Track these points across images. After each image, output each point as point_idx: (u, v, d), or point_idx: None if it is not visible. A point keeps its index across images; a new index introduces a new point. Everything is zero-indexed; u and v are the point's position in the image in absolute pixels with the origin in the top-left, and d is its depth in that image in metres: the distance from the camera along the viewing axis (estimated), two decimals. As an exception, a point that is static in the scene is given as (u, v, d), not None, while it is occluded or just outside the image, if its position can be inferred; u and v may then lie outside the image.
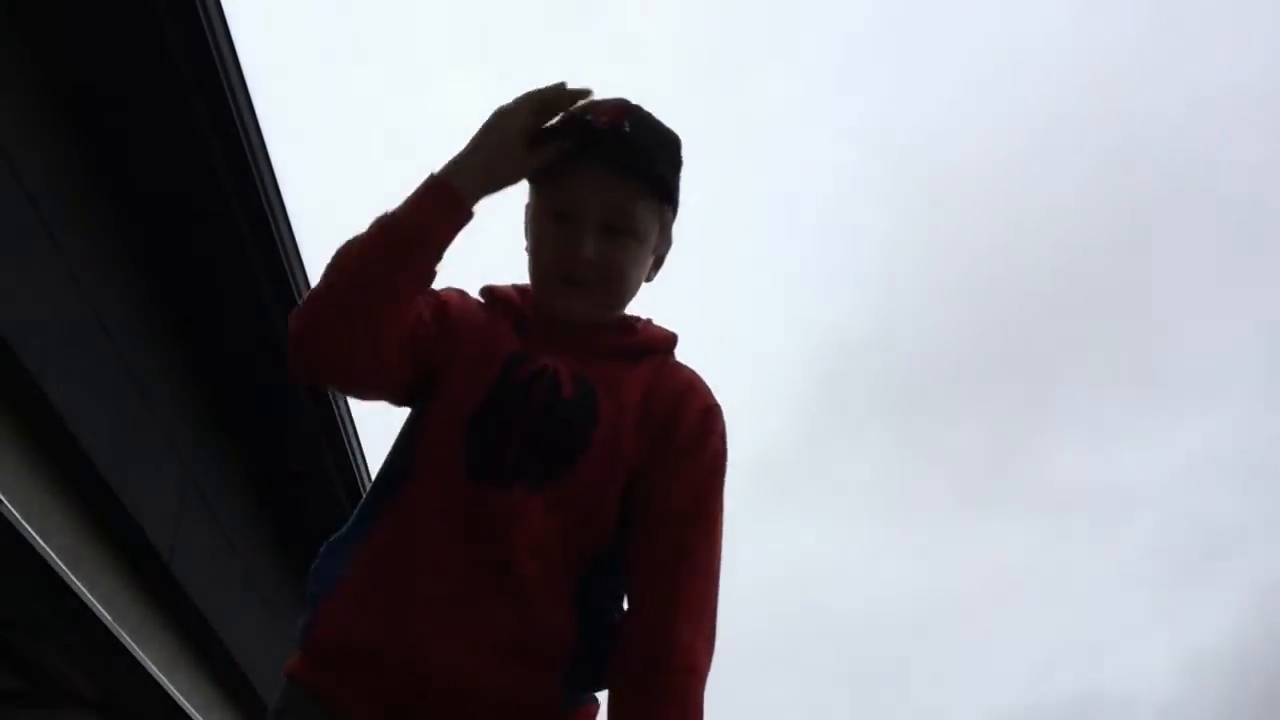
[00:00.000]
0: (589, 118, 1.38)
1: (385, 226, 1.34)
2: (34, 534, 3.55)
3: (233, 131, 3.91)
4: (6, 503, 3.40)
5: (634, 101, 1.42)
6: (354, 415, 5.59)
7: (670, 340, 1.51)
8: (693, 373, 1.48)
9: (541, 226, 1.43)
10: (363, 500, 1.47)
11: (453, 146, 1.39)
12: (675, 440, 1.40)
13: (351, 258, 1.34)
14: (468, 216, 1.37)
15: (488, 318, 1.48)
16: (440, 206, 1.34)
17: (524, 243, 1.50)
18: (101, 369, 3.97)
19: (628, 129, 1.38)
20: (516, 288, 1.53)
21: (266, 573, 6.12)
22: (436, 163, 1.39)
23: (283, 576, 6.40)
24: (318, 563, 1.44)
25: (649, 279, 1.48)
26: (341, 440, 5.51)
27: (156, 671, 4.55)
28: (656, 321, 1.53)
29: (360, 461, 5.81)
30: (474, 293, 1.54)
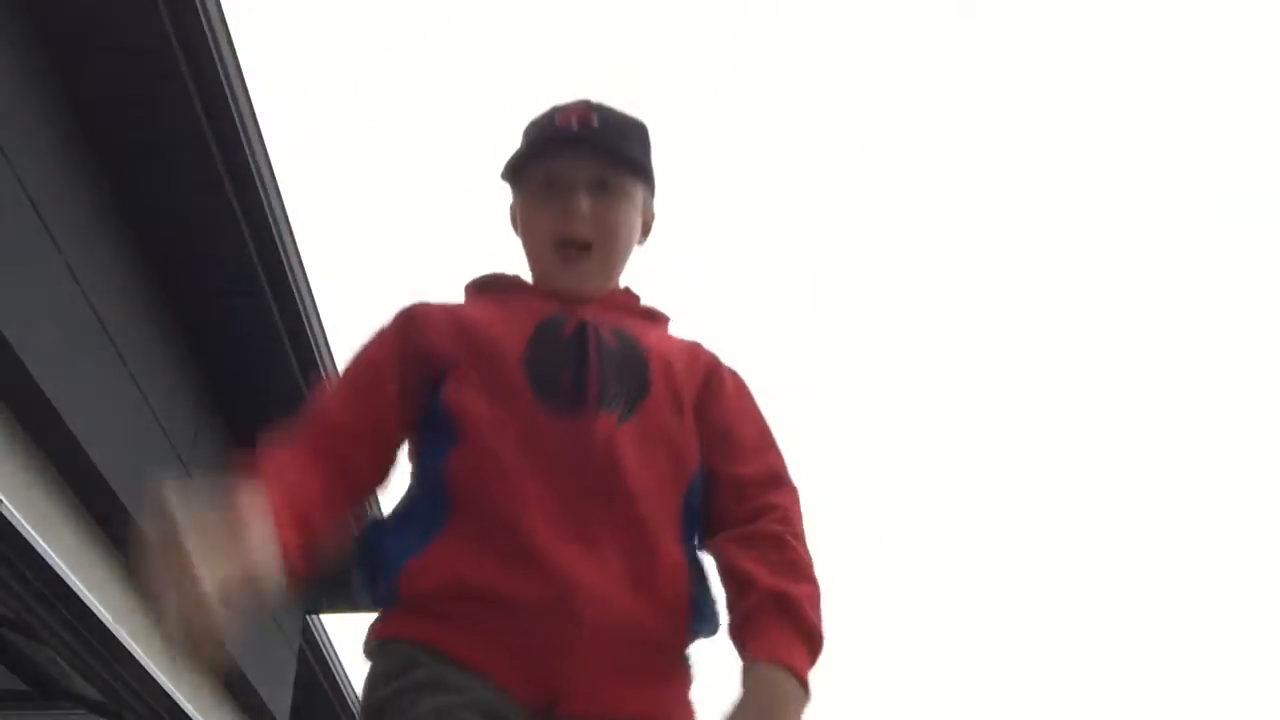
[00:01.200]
0: (557, 122, 1.41)
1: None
2: (34, 534, 3.55)
3: (233, 132, 3.91)
4: (6, 503, 3.40)
5: (594, 100, 1.44)
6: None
7: (666, 315, 1.50)
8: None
9: (531, 198, 1.43)
10: (410, 483, 1.38)
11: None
12: (725, 387, 1.42)
13: None
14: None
15: (491, 299, 1.43)
16: None
17: (516, 237, 1.48)
18: (101, 369, 3.97)
19: (597, 124, 1.40)
20: (514, 273, 1.48)
21: (266, 573, 6.12)
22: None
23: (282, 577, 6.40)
24: (372, 540, 1.34)
25: (640, 243, 1.48)
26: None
27: (156, 672, 4.55)
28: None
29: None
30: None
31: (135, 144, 3.95)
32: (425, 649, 1.21)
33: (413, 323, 1.38)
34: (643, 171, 1.44)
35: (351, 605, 7.25)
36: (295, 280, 4.60)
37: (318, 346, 4.95)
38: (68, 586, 3.79)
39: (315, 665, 7.44)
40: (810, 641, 1.23)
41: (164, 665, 4.68)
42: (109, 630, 4.11)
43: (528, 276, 1.48)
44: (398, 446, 1.37)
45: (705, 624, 1.32)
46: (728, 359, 1.46)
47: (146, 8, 3.48)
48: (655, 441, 1.31)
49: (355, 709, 8.30)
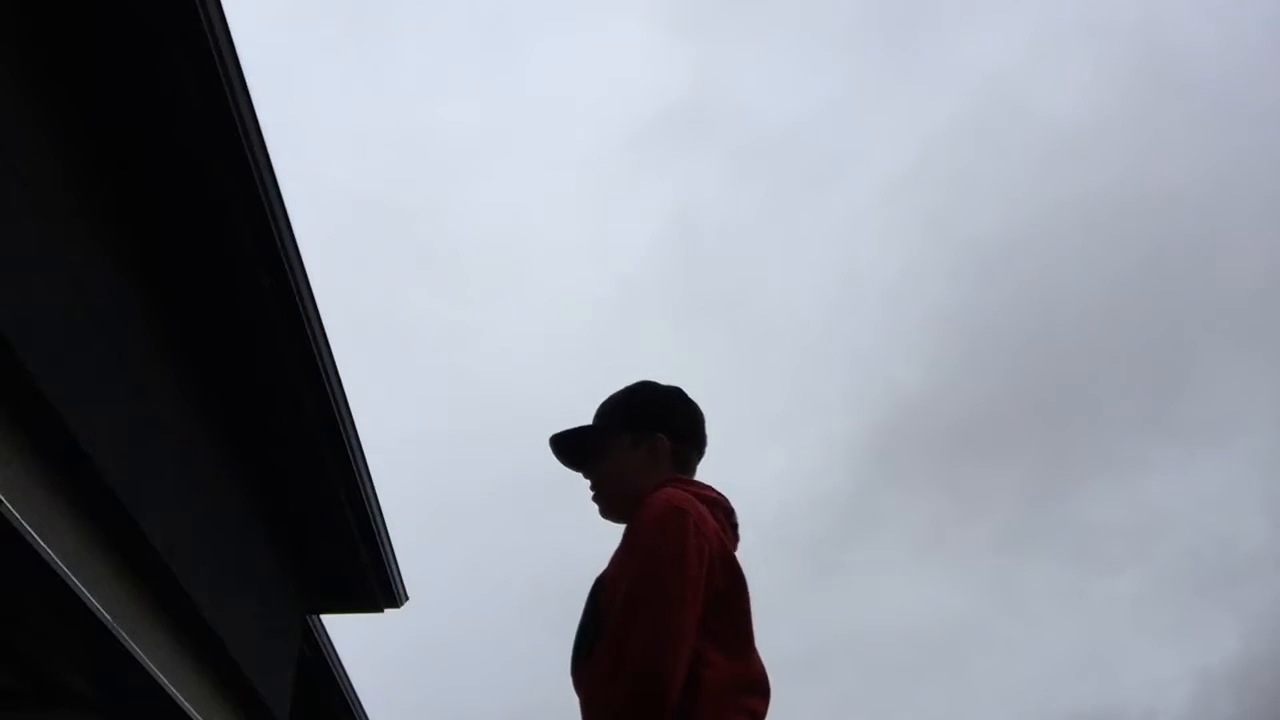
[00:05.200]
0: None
1: None
2: (34, 534, 3.55)
3: (232, 130, 3.91)
4: (7, 503, 3.40)
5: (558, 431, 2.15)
6: (354, 418, 5.59)
7: (637, 494, 1.94)
8: (648, 500, 1.87)
9: None
10: None
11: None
12: (618, 565, 1.85)
13: None
14: None
15: None
16: None
17: None
18: (101, 369, 3.97)
19: (554, 448, 2.14)
20: None
21: (266, 573, 6.11)
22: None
23: (282, 577, 6.40)
24: None
25: (654, 454, 2.05)
26: (342, 441, 5.51)
27: (156, 671, 4.55)
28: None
29: (360, 462, 5.80)
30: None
31: (136, 145, 3.95)
32: None
33: None
34: (591, 439, 2.11)
35: (351, 606, 7.26)
36: (294, 277, 4.60)
37: (317, 346, 4.95)
38: (68, 587, 3.79)
39: (315, 665, 7.44)
40: None
41: (164, 665, 4.68)
42: (109, 630, 4.11)
43: None
44: None
45: None
46: (644, 509, 1.84)
47: (142, 6, 3.48)
48: (599, 666, 1.74)
49: (355, 709, 8.29)
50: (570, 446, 2.14)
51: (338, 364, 5.24)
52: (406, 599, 7.17)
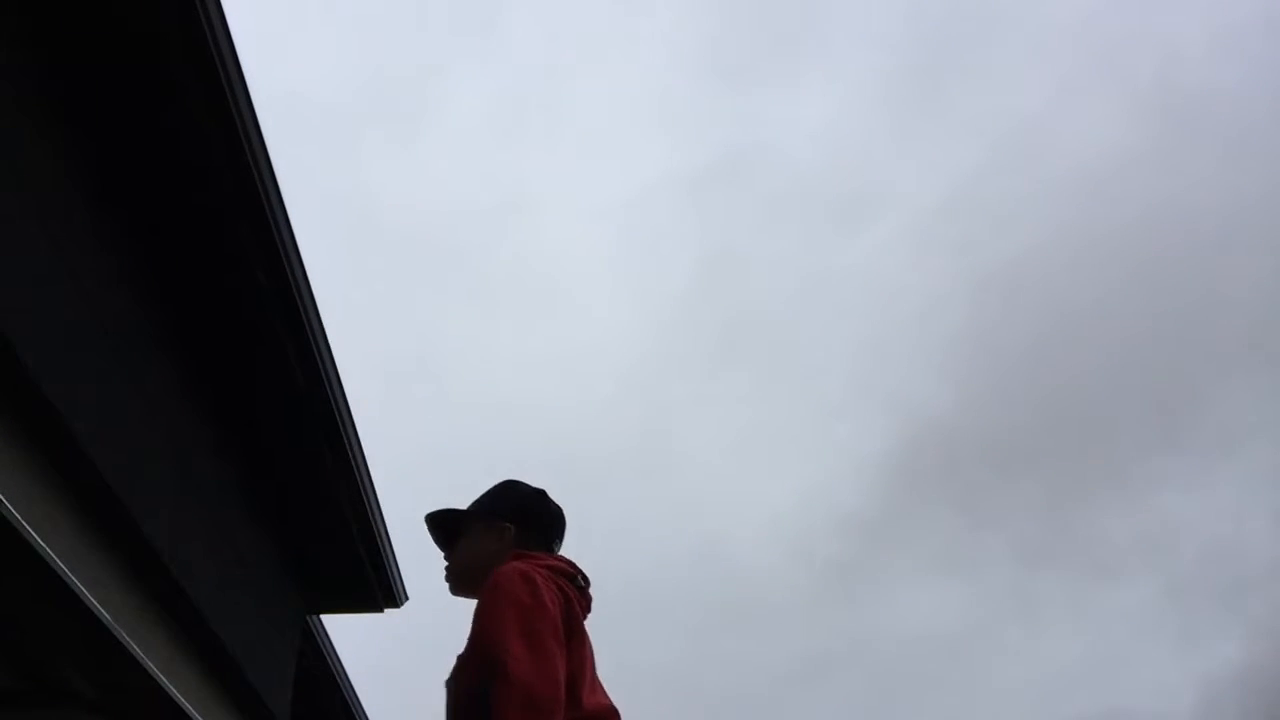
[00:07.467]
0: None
1: None
2: (34, 534, 3.55)
3: (231, 128, 3.91)
4: (6, 503, 3.40)
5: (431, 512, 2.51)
6: (355, 420, 5.59)
7: (482, 571, 2.23)
8: (497, 570, 2.15)
9: None
10: None
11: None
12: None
13: None
14: None
15: None
16: None
17: None
18: (101, 369, 3.97)
19: (431, 534, 2.52)
20: None
21: (266, 573, 6.11)
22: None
23: (282, 577, 6.40)
24: None
25: (499, 542, 2.39)
26: (343, 441, 5.51)
27: (156, 671, 4.55)
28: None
29: (361, 462, 5.80)
30: None
31: (136, 144, 3.95)
32: None
33: None
34: (453, 527, 2.48)
35: (351, 606, 7.26)
36: (293, 274, 4.60)
37: (318, 346, 4.95)
38: (68, 586, 3.79)
39: (315, 665, 7.44)
40: None
41: (164, 665, 4.68)
42: (109, 630, 4.11)
43: None
44: None
45: None
46: (494, 581, 2.12)
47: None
48: None
49: (355, 709, 8.29)
50: (439, 528, 2.51)
51: (339, 365, 5.24)
52: (407, 599, 7.17)
